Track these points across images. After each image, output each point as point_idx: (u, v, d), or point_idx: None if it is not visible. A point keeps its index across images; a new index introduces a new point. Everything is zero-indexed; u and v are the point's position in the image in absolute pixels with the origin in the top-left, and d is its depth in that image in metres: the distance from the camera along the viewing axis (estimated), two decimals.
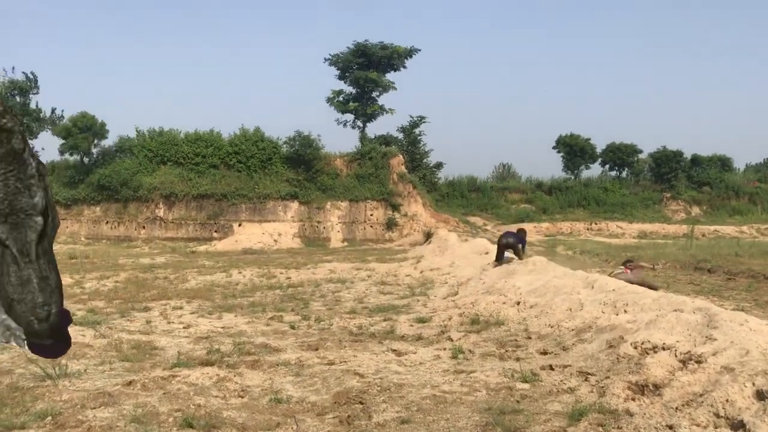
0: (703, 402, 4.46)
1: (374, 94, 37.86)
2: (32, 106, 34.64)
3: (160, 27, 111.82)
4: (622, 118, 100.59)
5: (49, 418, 4.94)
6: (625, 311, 7.61)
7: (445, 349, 7.53)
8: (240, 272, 17.25)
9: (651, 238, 34.44)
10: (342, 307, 11.26)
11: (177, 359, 6.89)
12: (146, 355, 7.30)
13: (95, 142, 33.74)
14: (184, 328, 9.28)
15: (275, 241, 30.57)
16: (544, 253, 20.44)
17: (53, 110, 35.44)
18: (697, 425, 4.24)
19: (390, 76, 38.12)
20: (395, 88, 38.08)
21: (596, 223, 38.22)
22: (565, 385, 5.77)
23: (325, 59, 38.11)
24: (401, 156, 36.24)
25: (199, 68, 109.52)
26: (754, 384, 4.37)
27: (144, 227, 32.50)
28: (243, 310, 10.98)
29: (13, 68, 36.98)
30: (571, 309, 8.55)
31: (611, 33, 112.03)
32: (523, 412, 5.05)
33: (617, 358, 6.15)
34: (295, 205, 33.11)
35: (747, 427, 3.92)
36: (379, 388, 5.82)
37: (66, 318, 1.60)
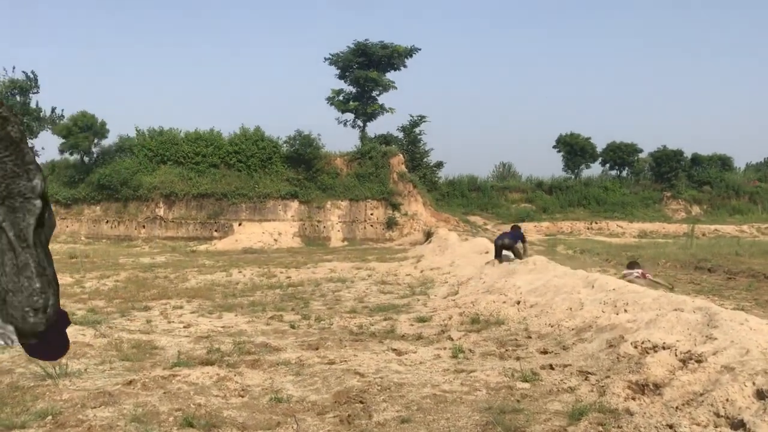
0: (703, 401, 4.46)
1: (374, 94, 37.87)
2: (32, 105, 34.67)
3: (160, 27, 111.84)
4: (622, 118, 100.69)
5: (50, 417, 4.94)
6: (626, 310, 7.61)
7: (445, 348, 7.53)
8: (240, 272, 17.26)
9: (651, 237, 34.44)
10: (342, 307, 11.26)
11: (177, 359, 6.89)
12: (146, 355, 7.30)
13: (95, 141, 33.75)
14: (184, 327, 9.28)
15: (275, 240, 30.57)
16: (544, 252, 20.45)
17: (53, 109, 35.49)
18: (698, 424, 4.24)
19: (390, 75, 38.16)
20: (395, 88, 38.13)
21: (596, 223, 38.22)
22: (565, 384, 5.77)
23: (326, 59, 38.16)
24: (401, 155, 36.24)
25: (199, 68, 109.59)
26: (754, 383, 4.37)
27: (144, 226, 32.50)
28: (243, 310, 10.98)
29: (14, 68, 37.07)
30: (571, 308, 8.54)
31: (611, 33, 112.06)
32: (524, 412, 5.05)
33: (617, 358, 6.14)
34: (295, 205, 33.11)
35: (747, 426, 3.92)
36: (379, 388, 5.81)
37: (64, 319, 1.57)
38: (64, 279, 15.01)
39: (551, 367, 6.34)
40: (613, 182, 42.43)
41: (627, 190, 41.94)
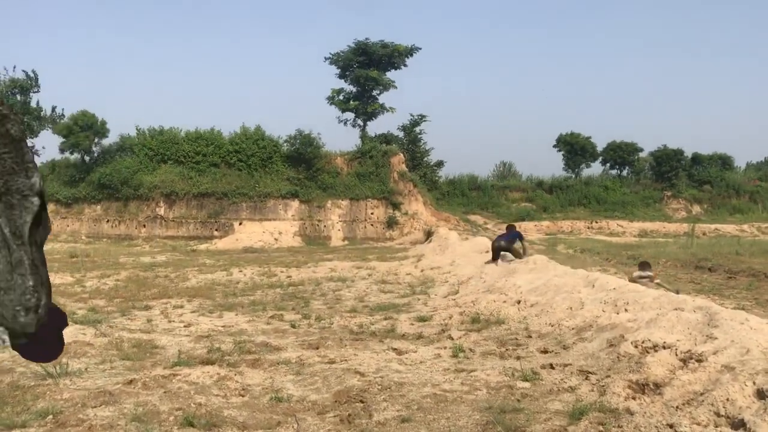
0: (703, 401, 4.46)
1: (375, 93, 37.86)
2: (33, 104, 34.68)
3: (160, 26, 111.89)
4: (622, 117, 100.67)
5: (50, 416, 4.94)
6: (626, 310, 7.61)
7: (445, 347, 7.52)
8: (241, 271, 17.26)
9: (652, 236, 34.44)
10: (342, 306, 11.26)
11: (178, 358, 6.90)
12: (147, 354, 7.30)
13: (96, 140, 33.76)
14: (184, 326, 9.28)
15: (276, 239, 30.58)
16: (544, 251, 20.44)
17: (54, 108, 35.50)
18: (698, 424, 4.24)
19: (390, 74, 38.15)
20: (396, 87, 38.11)
21: (597, 222, 38.21)
22: (565, 383, 5.77)
23: (326, 58, 38.15)
24: (402, 154, 36.23)
25: (199, 67, 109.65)
26: (754, 383, 4.36)
27: (145, 226, 32.51)
28: (244, 309, 10.98)
29: (14, 67, 37.07)
30: (571, 308, 8.54)
31: (611, 33, 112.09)
32: (524, 411, 5.05)
33: (618, 357, 6.14)
34: (295, 204, 33.11)
35: (747, 426, 3.92)
36: (379, 387, 5.81)
37: (62, 320, 1.55)
38: (64, 278, 15.01)
39: (551, 366, 6.34)
40: (614, 181, 42.42)
41: (627, 190, 41.92)
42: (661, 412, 4.63)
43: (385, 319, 9.79)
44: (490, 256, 14.96)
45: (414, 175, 36.25)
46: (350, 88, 38.16)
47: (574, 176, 42.87)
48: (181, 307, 11.21)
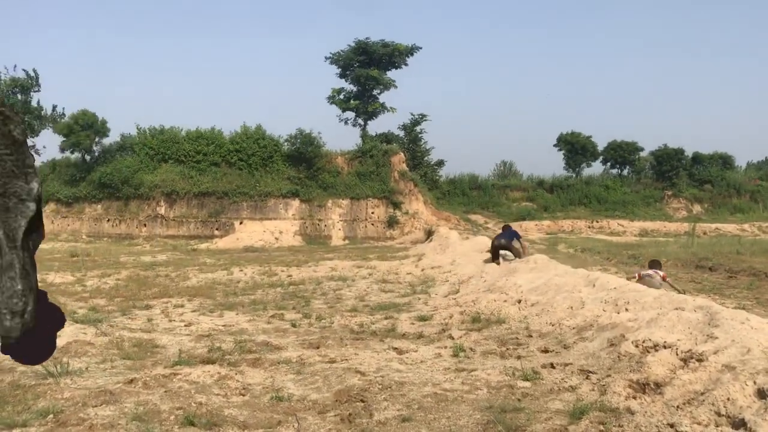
0: (704, 400, 4.46)
1: (375, 92, 37.87)
2: (33, 103, 34.71)
3: (161, 26, 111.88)
4: (623, 117, 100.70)
5: (51, 416, 4.94)
6: (627, 309, 7.60)
7: (446, 347, 7.52)
8: (241, 270, 17.27)
9: (652, 236, 34.43)
10: (343, 305, 11.26)
11: (178, 357, 6.90)
12: (147, 353, 7.30)
13: (96, 139, 33.78)
14: (185, 326, 9.28)
15: (276, 239, 30.58)
16: (545, 251, 20.44)
17: (54, 108, 35.52)
18: (699, 424, 4.24)
19: (391, 74, 38.17)
20: (396, 86, 38.13)
21: (597, 221, 38.21)
22: (566, 383, 5.77)
23: (326, 57, 38.18)
24: (402, 154, 36.25)
25: (200, 66, 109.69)
26: (755, 382, 4.36)
27: (145, 225, 32.53)
28: (244, 308, 10.99)
29: (15, 66, 37.09)
30: (572, 307, 8.54)
31: (611, 33, 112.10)
32: (524, 411, 5.05)
33: (618, 357, 6.14)
34: (296, 203, 33.12)
35: (748, 425, 3.92)
36: (380, 387, 5.81)
37: (59, 321, 1.54)
38: (65, 277, 15.02)
39: (552, 365, 6.34)
40: (614, 181, 42.42)
41: (628, 189, 41.93)
42: (662, 411, 4.63)
43: (386, 318, 9.79)
44: (490, 255, 14.97)
45: (414, 174, 36.25)
46: (351, 87, 38.20)
47: (574, 176, 42.87)
48: (182, 306, 11.21)
